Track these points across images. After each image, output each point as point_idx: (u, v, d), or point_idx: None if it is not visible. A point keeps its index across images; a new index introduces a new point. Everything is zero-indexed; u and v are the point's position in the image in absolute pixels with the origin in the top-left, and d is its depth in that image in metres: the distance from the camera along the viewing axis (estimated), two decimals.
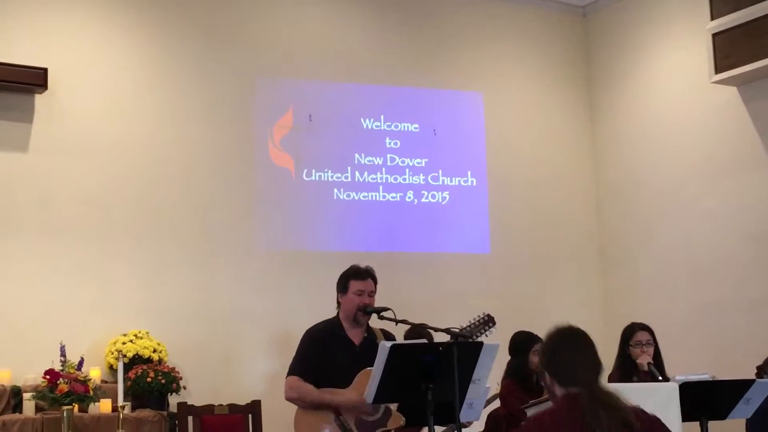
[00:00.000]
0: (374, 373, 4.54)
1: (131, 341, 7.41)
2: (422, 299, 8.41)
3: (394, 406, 5.34)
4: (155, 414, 7.02)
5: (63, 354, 7.02)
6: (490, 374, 4.79)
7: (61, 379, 6.76)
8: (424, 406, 4.53)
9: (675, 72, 8.91)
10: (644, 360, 6.10)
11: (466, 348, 4.64)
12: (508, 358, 6.60)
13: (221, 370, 7.92)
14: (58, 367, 6.93)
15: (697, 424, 5.35)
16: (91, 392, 6.85)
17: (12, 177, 7.50)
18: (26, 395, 6.85)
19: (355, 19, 8.97)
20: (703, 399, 5.29)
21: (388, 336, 5.63)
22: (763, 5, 7.76)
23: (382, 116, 8.89)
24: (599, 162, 9.67)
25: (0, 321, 7.26)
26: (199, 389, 7.65)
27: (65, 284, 7.53)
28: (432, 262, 8.85)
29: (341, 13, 8.93)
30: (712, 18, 8.16)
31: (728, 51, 8.00)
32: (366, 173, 8.75)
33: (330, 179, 8.61)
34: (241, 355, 8.04)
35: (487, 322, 5.74)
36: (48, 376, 6.79)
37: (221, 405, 7.29)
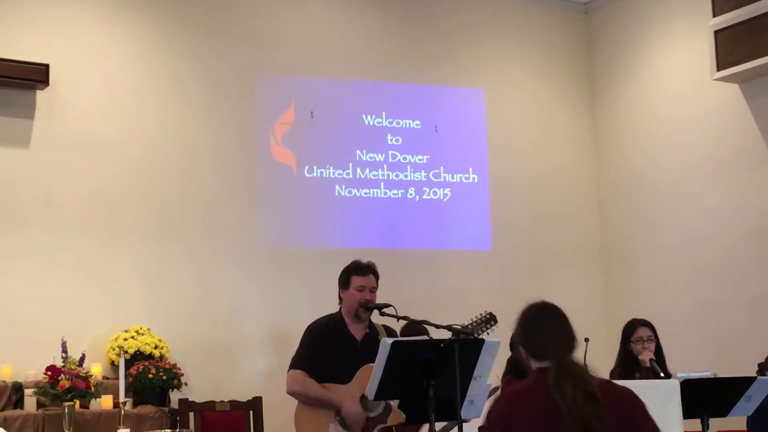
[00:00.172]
0: (375, 369, 4.54)
1: (133, 337, 7.41)
2: (423, 296, 8.42)
3: (394, 403, 5.34)
4: (156, 410, 7.02)
5: (64, 350, 7.03)
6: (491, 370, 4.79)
7: (62, 375, 6.77)
8: (425, 402, 4.53)
9: (677, 69, 8.90)
10: (646, 356, 6.10)
11: (467, 345, 4.64)
12: (509, 354, 6.60)
13: (222, 366, 7.92)
14: (59, 363, 6.93)
15: (698, 421, 5.37)
16: (93, 388, 6.85)
17: (14, 173, 7.50)
18: (27, 391, 6.86)
19: (356, 15, 8.97)
20: (705, 396, 5.30)
21: (390, 332, 5.63)
22: (765, 2, 7.76)
23: (383, 113, 8.89)
24: (601, 159, 9.67)
25: (2, 317, 7.26)
26: (200, 385, 7.65)
27: (67, 281, 7.53)
28: (433, 259, 8.85)
29: (343, 9, 8.93)
30: (714, 15, 8.16)
31: (730, 48, 8.00)
32: (367, 170, 8.75)
33: (331, 176, 8.61)
34: (242, 351, 8.05)
35: (489, 320, 5.74)
36: (49, 372, 6.80)
37: (222, 401, 7.30)
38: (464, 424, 4.60)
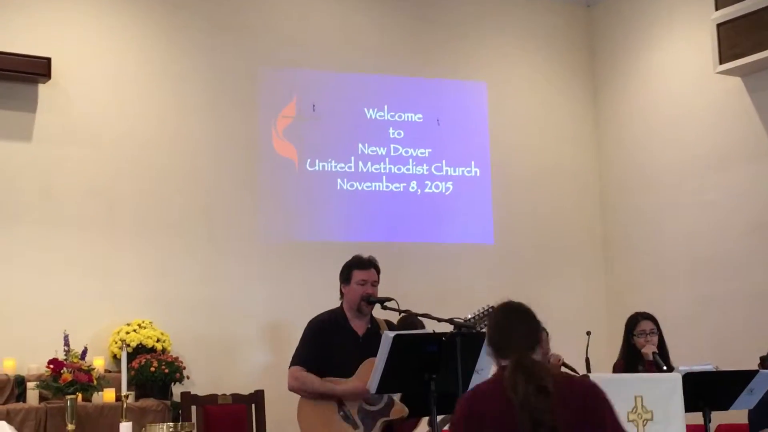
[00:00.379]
0: (377, 363, 4.55)
1: (135, 331, 7.42)
2: (425, 290, 8.41)
3: (397, 397, 5.35)
4: (159, 403, 7.03)
5: (67, 343, 7.03)
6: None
7: (64, 368, 6.77)
8: (426, 396, 4.53)
9: (679, 62, 8.89)
10: (649, 350, 6.10)
11: (469, 339, 4.64)
12: None
13: (225, 359, 7.93)
14: (61, 356, 6.94)
15: (700, 414, 5.37)
16: (95, 382, 6.86)
17: (15, 167, 7.51)
18: (30, 384, 6.87)
19: (358, 8, 8.95)
20: (707, 389, 5.30)
21: (392, 327, 5.63)
22: None
23: (385, 106, 8.88)
24: (603, 153, 9.66)
25: (4, 311, 7.27)
26: (202, 379, 7.66)
27: (69, 274, 7.54)
28: (435, 253, 8.85)
29: (345, 3, 8.91)
30: (717, 8, 8.13)
31: (733, 41, 7.98)
32: (369, 163, 8.74)
33: (333, 169, 8.60)
34: (244, 345, 8.05)
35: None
36: (52, 366, 6.81)
37: (224, 395, 7.30)
38: None
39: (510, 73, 9.48)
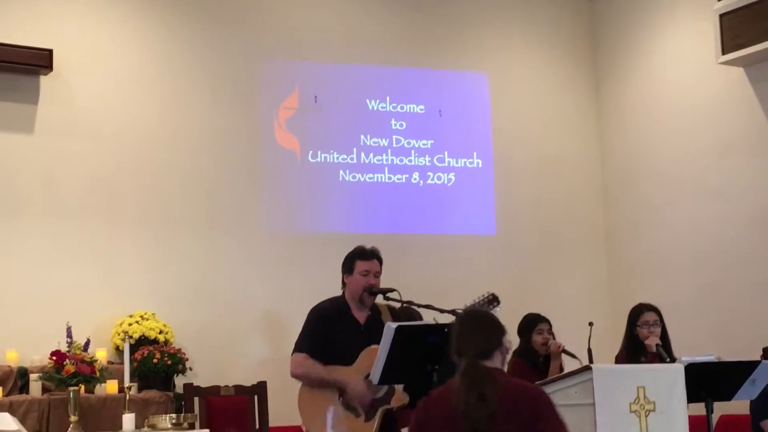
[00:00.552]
0: (380, 353, 4.55)
1: (137, 322, 7.42)
2: (428, 281, 8.39)
3: (399, 385, 5.35)
4: (161, 395, 7.04)
5: (69, 335, 7.02)
6: None
7: (67, 360, 6.76)
8: (429, 387, 4.53)
9: (681, 53, 8.87)
10: (652, 342, 6.08)
11: None
12: (517, 338, 6.62)
13: (227, 351, 7.93)
14: (64, 348, 6.93)
15: (702, 405, 5.37)
16: (98, 373, 6.84)
17: (18, 159, 7.51)
18: (33, 376, 6.88)
19: (361, 0, 8.94)
20: (709, 380, 5.30)
21: (394, 311, 5.62)
22: None
23: (387, 97, 8.87)
24: (605, 143, 9.64)
25: (7, 302, 7.28)
26: (205, 370, 7.66)
27: (71, 266, 7.55)
28: (437, 244, 8.84)
29: None
30: None
31: (735, 32, 7.96)
32: (371, 155, 8.74)
33: (335, 161, 8.60)
34: (247, 336, 8.06)
35: (491, 301, 5.72)
36: (54, 357, 6.79)
37: (227, 386, 7.31)
38: None
39: (512, 64, 9.46)
